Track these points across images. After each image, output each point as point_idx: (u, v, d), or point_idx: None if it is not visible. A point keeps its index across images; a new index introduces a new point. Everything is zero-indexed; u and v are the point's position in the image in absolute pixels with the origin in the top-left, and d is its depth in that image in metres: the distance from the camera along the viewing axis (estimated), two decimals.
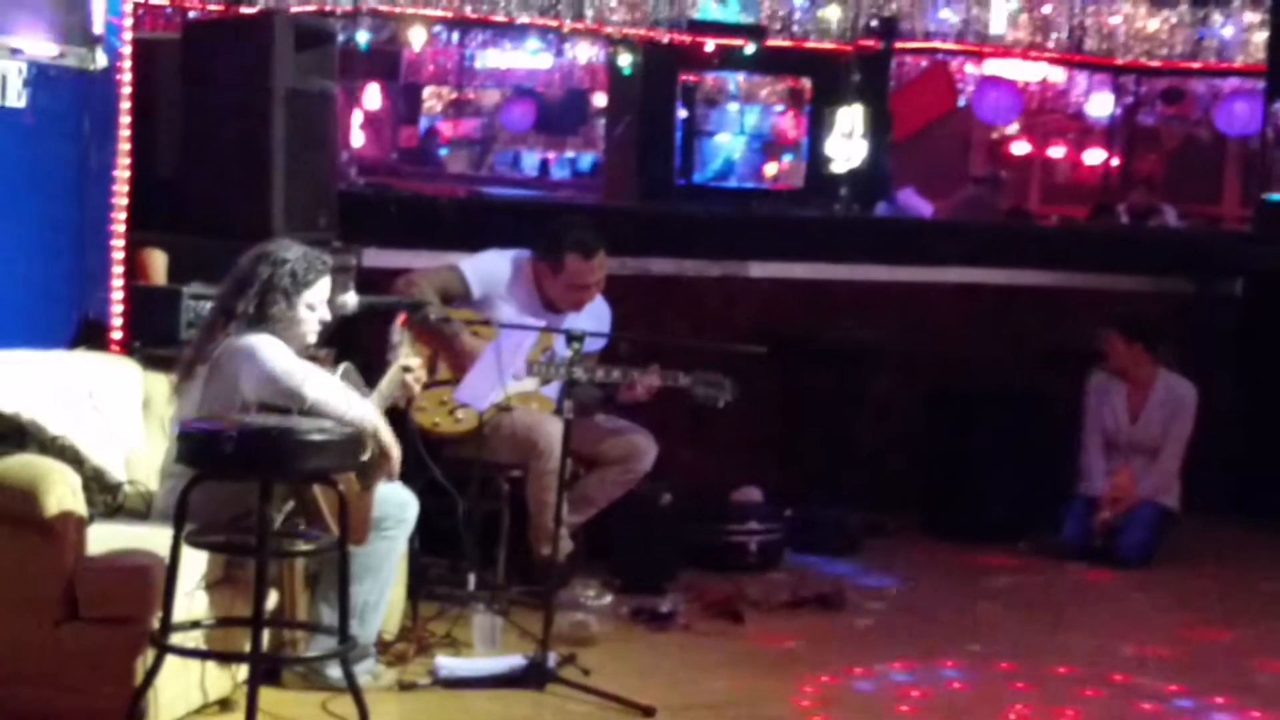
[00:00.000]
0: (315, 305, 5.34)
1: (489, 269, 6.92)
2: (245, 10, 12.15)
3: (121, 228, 6.23)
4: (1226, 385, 9.32)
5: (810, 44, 14.59)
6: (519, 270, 6.93)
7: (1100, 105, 18.26)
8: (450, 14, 13.94)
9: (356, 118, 17.57)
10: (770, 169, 18.45)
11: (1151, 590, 7.78)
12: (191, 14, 12.27)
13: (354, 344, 6.03)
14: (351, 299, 5.70)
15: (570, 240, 6.83)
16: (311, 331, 5.36)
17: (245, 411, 5.05)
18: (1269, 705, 5.90)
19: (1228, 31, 15.89)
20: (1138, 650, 6.74)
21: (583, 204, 14.02)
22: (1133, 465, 8.34)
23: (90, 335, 6.09)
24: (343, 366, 5.46)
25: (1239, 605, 7.53)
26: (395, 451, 5.34)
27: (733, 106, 18.11)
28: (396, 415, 5.65)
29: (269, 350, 5.14)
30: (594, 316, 6.96)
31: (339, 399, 5.16)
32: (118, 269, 6.20)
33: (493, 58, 18.38)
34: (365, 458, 5.21)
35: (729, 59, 14.55)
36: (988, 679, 6.17)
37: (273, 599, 5.23)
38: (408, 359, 5.60)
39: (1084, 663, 6.46)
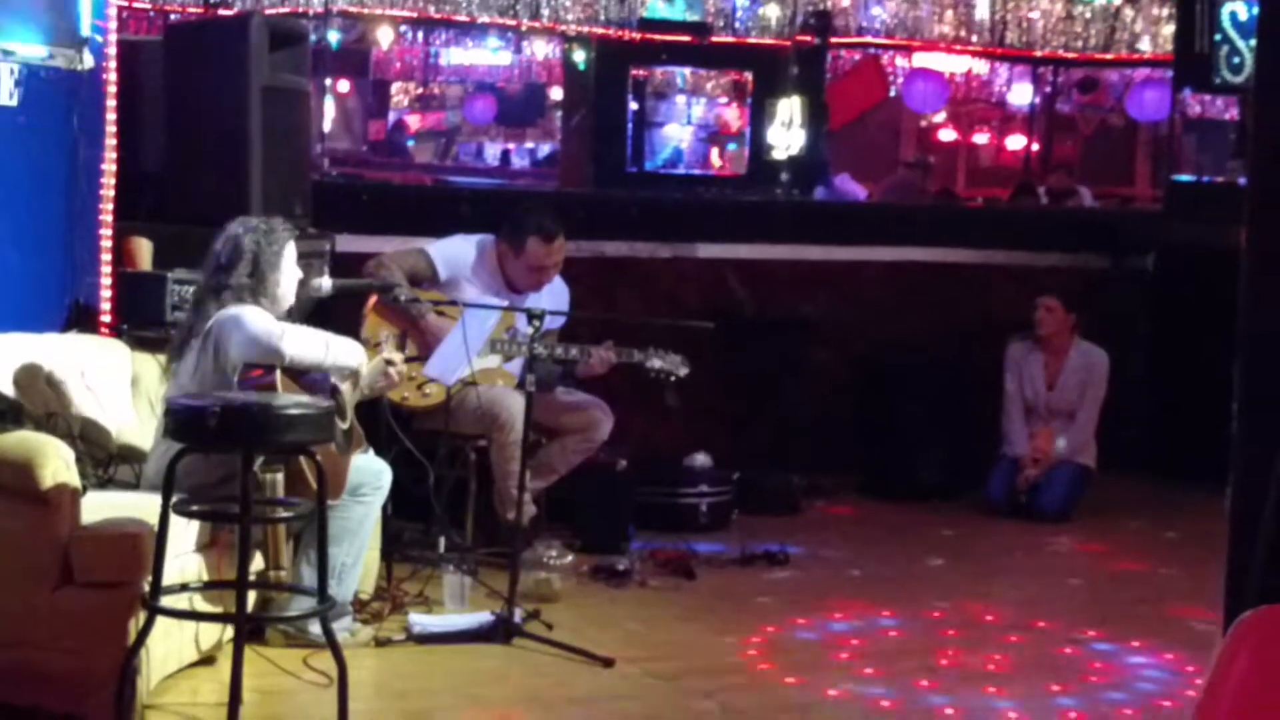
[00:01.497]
0: (290, 265, 5.39)
1: (455, 252, 6.91)
2: (223, 12, 12.08)
3: (109, 218, 6.19)
4: (1139, 352, 9.39)
5: (751, 40, 14.59)
6: (483, 253, 6.92)
7: (1021, 94, 18.30)
8: (416, 14, 13.89)
9: (329, 112, 17.47)
10: (715, 157, 18.46)
11: (1071, 543, 7.84)
12: (173, 16, 12.18)
13: (328, 324, 6.01)
14: (326, 282, 5.71)
15: (532, 225, 6.83)
16: (290, 290, 5.39)
17: (232, 375, 5.10)
18: (1182, 647, 5.95)
19: (1138, 25, 15.94)
20: (1059, 599, 6.79)
21: (541, 191, 14.01)
22: (1051, 428, 8.39)
23: (81, 319, 6.06)
24: None
25: (1152, 555, 7.59)
26: (362, 379, 5.44)
27: (680, 99, 18.10)
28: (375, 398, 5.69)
29: (251, 316, 5.21)
30: (554, 296, 6.96)
31: (316, 348, 5.24)
32: (106, 256, 6.17)
33: (456, 55, 18.29)
34: (345, 426, 5.23)
35: (676, 54, 14.55)
36: (921, 627, 6.21)
37: (258, 560, 5.24)
38: (390, 353, 5.66)
39: (1010, 611, 6.50)
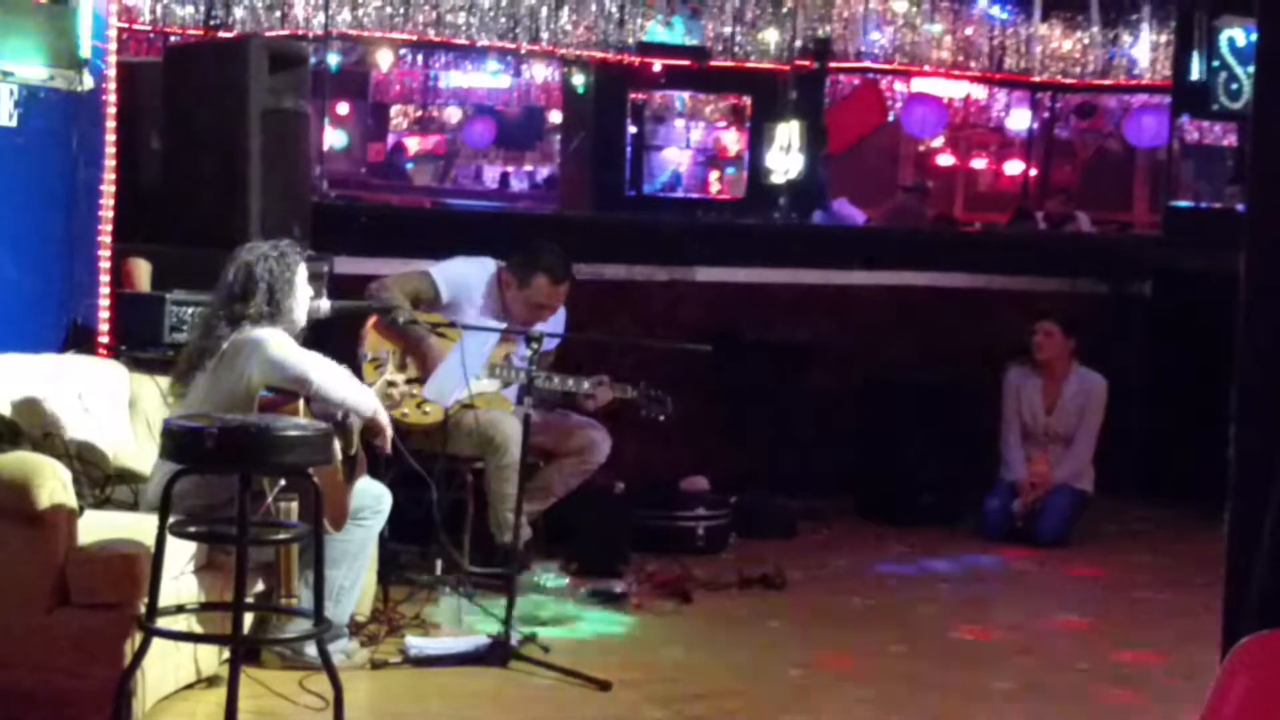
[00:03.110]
0: (303, 287, 5.40)
1: (457, 274, 6.91)
2: (223, 35, 12.11)
3: (108, 239, 6.20)
4: (1137, 377, 9.39)
5: (750, 64, 14.62)
6: (485, 276, 6.92)
7: (1019, 120, 18.35)
8: (415, 37, 13.92)
9: (328, 135, 17.50)
10: (714, 180, 18.49)
11: (1069, 568, 7.83)
12: (172, 38, 12.21)
13: (327, 346, 6.01)
14: (325, 304, 5.71)
15: (544, 263, 6.81)
16: (304, 312, 5.40)
17: (250, 398, 5.08)
18: (1179, 673, 5.94)
19: (1136, 51, 15.99)
20: (1058, 623, 6.78)
21: (540, 214, 14.03)
22: (1049, 452, 8.39)
23: (79, 339, 6.06)
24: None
25: (1150, 579, 7.58)
26: (389, 430, 5.43)
27: (679, 122, 18.14)
28: None
29: (276, 340, 5.22)
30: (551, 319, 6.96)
31: (341, 384, 5.24)
32: (105, 277, 6.17)
33: (455, 78, 18.34)
34: (352, 452, 5.23)
35: (675, 78, 14.59)
36: (919, 651, 6.18)
37: (260, 584, 5.23)
38: (392, 374, 5.67)
39: (1006, 635, 6.50)
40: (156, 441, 5.13)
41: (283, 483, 4.97)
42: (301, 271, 5.40)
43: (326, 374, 5.21)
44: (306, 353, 5.25)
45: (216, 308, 5.33)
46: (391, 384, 5.66)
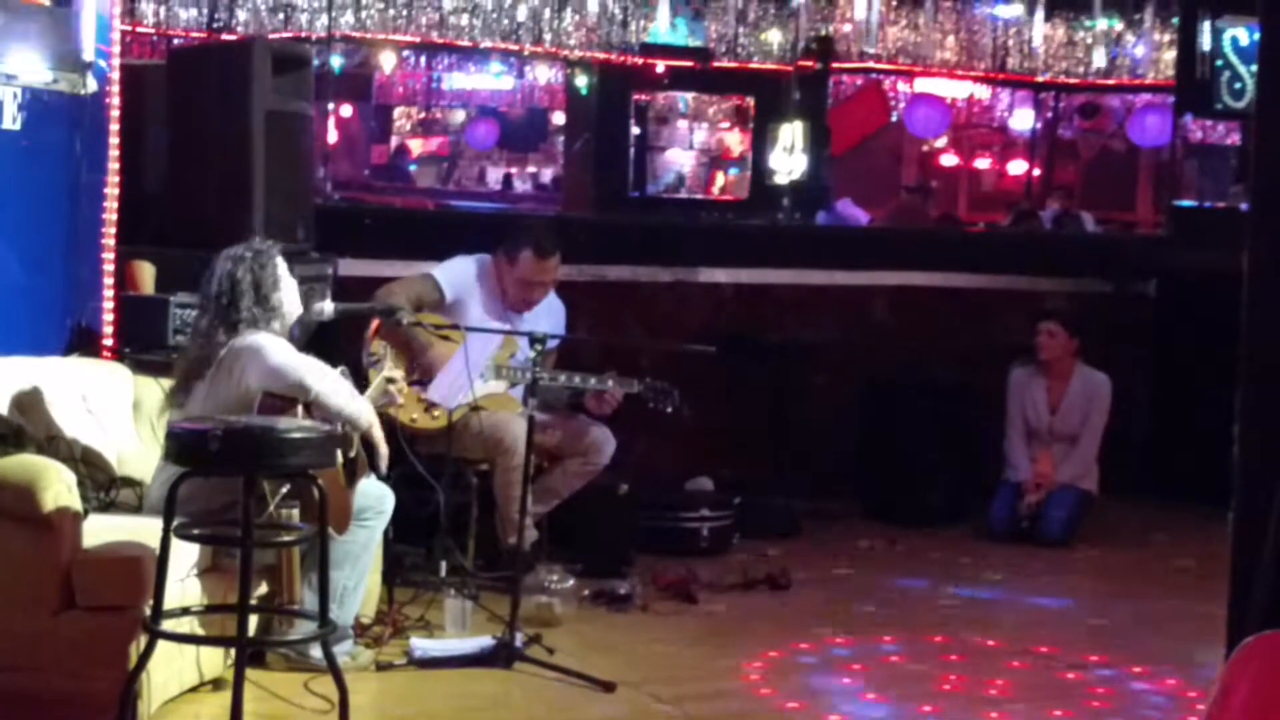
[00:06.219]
0: (287, 277, 5.38)
1: (459, 272, 6.93)
2: (226, 37, 12.13)
3: (111, 241, 6.20)
4: (1141, 377, 9.39)
5: (754, 65, 14.63)
6: (484, 273, 6.95)
7: (1022, 119, 18.34)
8: (419, 39, 13.92)
9: (331, 136, 17.50)
10: (718, 181, 18.49)
11: (1073, 567, 7.83)
12: (176, 41, 12.22)
13: (331, 348, 6.01)
14: (328, 306, 5.71)
15: (529, 238, 6.86)
16: (295, 301, 5.40)
17: (249, 405, 5.08)
18: (1184, 673, 5.94)
19: (1139, 50, 15.99)
20: (1061, 624, 6.78)
21: (543, 215, 14.02)
22: (1053, 452, 8.39)
23: (83, 342, 6.06)
24: (339, 369, 5.47)
25: (1153, 580, 7.58)
26: (384, 448, 5.41)
27: (682, 123, 18.15)
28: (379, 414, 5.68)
29: (274, 346, 5.21)
30: (551, 316, 6.97)
31: (340, 394, 5.23)
32: (108, 280, 6.17)
33: (458, 79, 18.35)
34: (351, 455, 5.23)
35: (679, 79, 14.59)
36: (922, 652, 6.19)
37: (263, 586, 5.23)
38: (391, 370, 5.66)
39: (1011, 636, 6.50)
40: (159, 444, 5.14)
41: (284, 490, 4.98)
42: (281, 264, 5.38)
43: (326, 383, 5.20)
44: (305, 359, 5.24)
45: (212, 318, 5.31)
46: (390, 380, 5.63)
